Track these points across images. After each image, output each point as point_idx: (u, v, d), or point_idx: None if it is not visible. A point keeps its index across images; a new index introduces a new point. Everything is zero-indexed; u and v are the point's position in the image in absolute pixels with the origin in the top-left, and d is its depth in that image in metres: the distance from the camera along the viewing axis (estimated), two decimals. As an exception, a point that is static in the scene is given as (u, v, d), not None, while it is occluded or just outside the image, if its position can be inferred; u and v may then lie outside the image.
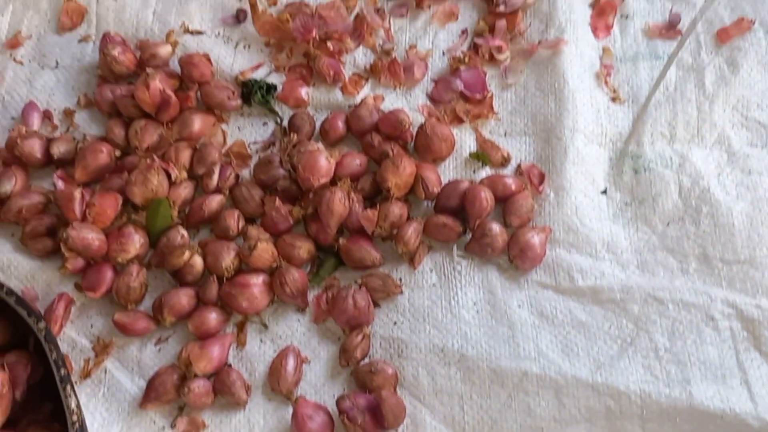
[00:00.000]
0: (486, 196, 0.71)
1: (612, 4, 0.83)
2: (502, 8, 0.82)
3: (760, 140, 0.75)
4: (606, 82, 0.79)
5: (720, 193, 0.72)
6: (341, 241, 0.71)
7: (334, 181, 0.73)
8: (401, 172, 0.72)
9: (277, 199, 0.73)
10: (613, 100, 0.79)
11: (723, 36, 0.79)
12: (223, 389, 0.67)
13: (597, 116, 0.77)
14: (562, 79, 0.78)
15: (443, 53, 0.82)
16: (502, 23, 0.82)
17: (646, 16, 0.83)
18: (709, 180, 0.73)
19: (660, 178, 0.74)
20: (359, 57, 0.82)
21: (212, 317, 0.69)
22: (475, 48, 0.82)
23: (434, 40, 0.83)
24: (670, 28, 0.81)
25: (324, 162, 0.72)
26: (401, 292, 0.70)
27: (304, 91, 0.80)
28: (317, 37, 0.81)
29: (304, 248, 0.71)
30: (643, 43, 0.81)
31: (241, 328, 0.70)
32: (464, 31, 0.83)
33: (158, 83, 0.75)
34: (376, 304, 0.70)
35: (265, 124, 0.80)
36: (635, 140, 0.76)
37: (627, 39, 0.82)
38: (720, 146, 0.75)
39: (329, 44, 0.81)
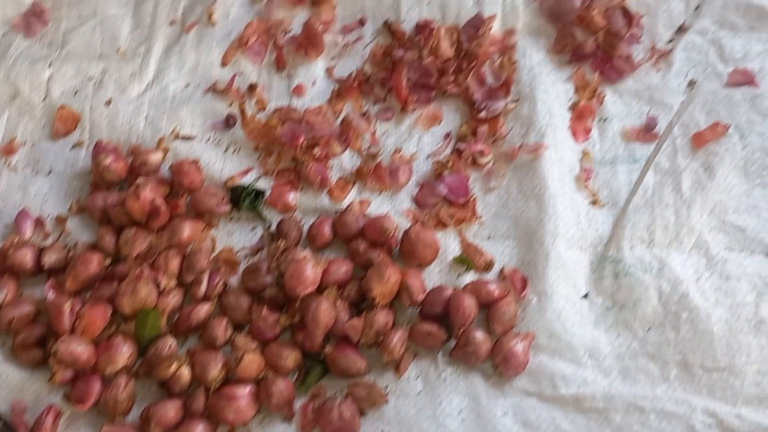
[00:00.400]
0: (469, 304, 0.73)
1: (590, 108, 0.85)
2: (483, 114, 0.84)
3: (737, 244, 0.77)
4: (586, 186, 0.81)
5: (699, 299, 0.74)
6: (327, 348, 0.72)
7: (321, 289, 0.75)
8: (386, 280, 0.73)
9: (264, 307, 0.74)
10: (593, 203, 0.81)
11: (698, 140, 0.81)
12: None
13: (577, 220, 0.79)
14: (543, 183, 0.80)
15: (428, 156, 0.85)
16: (483, 128, 0.84)
17: (624, 119, 0.85)
18: (688, 285, 0.74)
19: (640, 283, 0.75)
20: (346, 161, 0.84)
21: (199, 430, 0.69)
22: (458, 152, 0.84)
23: (419, 143, 0.85)
24: (647, 132, 0.84)
25: (310, 271, 0.73)
26: (387, 402, 0.71)
27: (292, 196, 0.82)
28: (305, 142, 0.83)
29: (290, 357, 0.72)
30: (622, 147, 0.84)
31: (227, 438, 0.71)
32: (448, 135, 0.86)
33: (148, 193, 0.77)
34: (362, 413, 0.71)
35: (253, 229, 0.81)
36: (615, 244, 0.78)
37: (606, 142, 0.84)
38: (698, 251, 0.77)
39: (316, 149, 0.83)
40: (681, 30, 0.88)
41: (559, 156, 0.82)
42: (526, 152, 0.82)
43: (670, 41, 0.88)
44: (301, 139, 0.83)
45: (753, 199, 0.79)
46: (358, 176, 0.83)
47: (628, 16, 0.87)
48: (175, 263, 0.77)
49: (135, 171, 0.82)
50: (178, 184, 0.81)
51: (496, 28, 0.90)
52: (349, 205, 0.80)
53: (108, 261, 0.78)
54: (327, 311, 0.72)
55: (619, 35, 0.86)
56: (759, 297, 0.73)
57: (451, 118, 0.87)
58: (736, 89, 0.84)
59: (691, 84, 0.86)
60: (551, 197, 0.79)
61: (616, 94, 0.86)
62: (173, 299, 0.76)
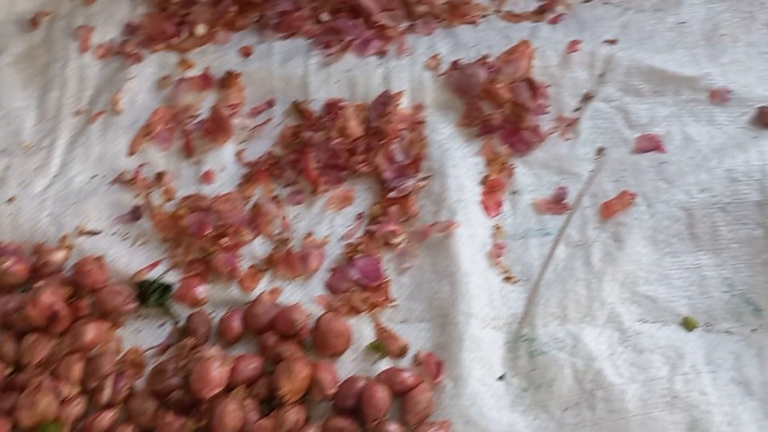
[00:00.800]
0: (382, 396, 0.71)
1: (501, 181, 0.85)
2: (394, 193, 0.84)
3: (650, 315, 0.76)
4: (498, 262, 0.81)
5: (613, 375, 0.73)
6: (238, 451, 0.70)
7: (229, 388, 0.72)
8: (295, 376, 0.71)
9: (171, 412, 0.72)
10: (507, 280, 0.80)
11: (607, 211, 0.81)
12: None
13: (491, 299, 0.78)
14: (455, 261, 0.79)
15: (341, 239, 0.83)
16: (395, 207, 0.83)
17: (535, 191, 0.85)
18: (602, 362, 0.73)
19: (554, 362, 0.74)
20: (257, 248, 0.83)
21: None
22: (369, 233, 0.83)
23: (331, 225, 0.84)
24: (558, 203, 0.83)
25: (216, 371, 0.71)
26: (300, 504, 0.69)
27: (201, 290, 0.80)
28: (213, 231, 0.82)
29: (199, 463, 0.70)
30: (533, 219, 0.83)
31: None
32: (360, 215, 0.85)
33: (47, 297, 0.75)
34: None
35: (161, 325, 0.79)
36: (529, 322, 0.77)
37: (517, 216, 0.84)
38: (611, 324, 0.76)
39: (224, 239, 0.82)
40: (586, 98, 0.89)
41: (471, 232, 0.82)
42: (438, 230, 0.81)
43: (577, 110, 0.89)
44: (209, 229, 0.81)
45: (663, 268, 0.78)
46: (269, 264, 0.82)
47: (534, 88, 0.88)
48: (77, 369, 0.74)
49: (38, 271, 0.80)
50: (81, 284, 0.79)
51: (404, 104, 0.90)
52: (258, 297, 0.78)
53: (9, 370, 0.75)
54: (234, 413, 0.70)
55: (526, 107, 0.87)
56: (672, 370, 0.73)
57: (363, 198, 0.86)
58: (643, 155, 0.85)
59: (600, 152, 0.86)
60: (464, 276, 0.78)
61: (526, 165, 0.86)
62: (76, 407, 0.73)
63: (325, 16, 0.96)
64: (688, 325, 0.76)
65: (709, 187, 0.81)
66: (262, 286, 0.81)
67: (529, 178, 0.86)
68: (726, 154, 0.82)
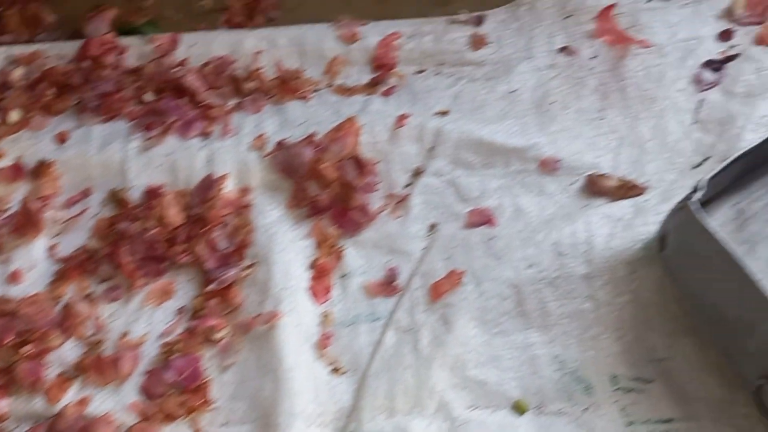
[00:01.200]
0: None
1: (329, 265, 0.81)
2: (214, 286, 0.79)
3: (480, 401, 0.74)
4: (325, 353, 0.77)
5: (442, 470, 0.69)
6: None
7: None
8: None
9: None
10: (335, 371, 0.76)
11: (435, 292, 0.78)
12: None
13: (317, 394, 0.74)
14: (279, 356, 0.75)
15: (159, 336, 0.78)
16: (215, 300, 0.79)
17: (365, 273, 0.82)
18: (431, 455, 0.70)
19: (381, 459, 0.70)
20: (67, 352, 0.77)
21: None
22: (189, 330, 0.78)
23: (150, 321, 0.79)
24: (388, 285, 0.80)
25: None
26: None
27: (2, 404, 0.73)
28: (16, 338, 0.75)
29: None
30: (363, 304, 0.80)
31: None
32: (182, 309, 0.80)
33: None
34: None
35: (-46, 448, 0.72)
36: (356, 417, 0.73)
37: (348, 300, 0.80)
38: (440, 414, 0.73)
39: (28, 346, 0.75)
40: (417, 173, 0.87)
41: (298, 322, 0.77)
42: (262, 322, 0.77)
43: (407, 186, 0.86)
44: (11, 336, 0.75)
45: (493, 349, 0.76)
46: (79, 370, 0.76)
47: (361, 165, 0.85)
48: None
49: None
50: None
51: (230, 188, 0.86)
52: (61, 410, 0.72)
53: None
54: None
55: (353, 185, 0.84)
56: (502, 459, 0.70)
57: (185, 291, 0.81)
58: (474, 230, 0.83)
59: (432, 228, 0.84)
60: (288, 371, 0.74)
61: (357, 246, 0.83)
62: None
63: (148, 96, 0.92)
64: (519, 408, 0.73)
65: (537, 262, 0.79)
66: (71, 395, 0.74)
67: (360, 259, 0.82)
68: (554, 227, 0.81)
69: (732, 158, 0.73)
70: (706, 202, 0.79)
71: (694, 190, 0.71)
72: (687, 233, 0.72)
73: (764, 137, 0.75)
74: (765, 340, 0.66)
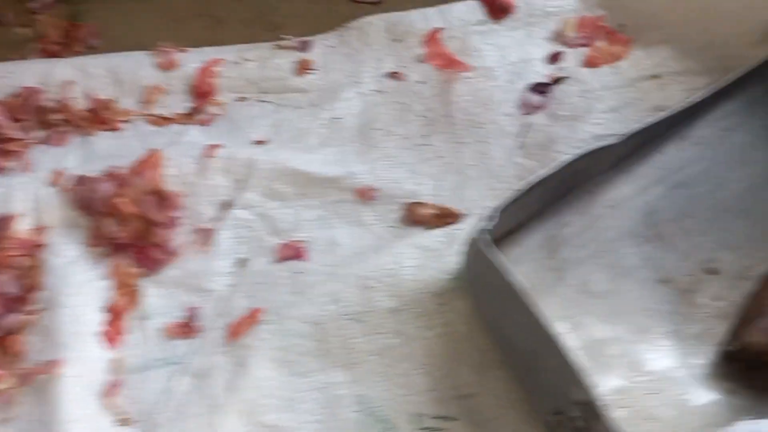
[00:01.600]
0: None
1: (125, 307, 0.76)
2: (-11, 336, 0.73)
3: (273, 449, 0.69)
4: (113, 403, 0.71)
5: None
6: None
7: None
8: None
9: None
10: (122, 423, 0.71)
11: (234, 332, 0.74)
12: None
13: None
14: (59, 408, 0.69)
15: (-68, 393, 0.72)
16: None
17: (165, 314, 0.76)
18: None
19: None
20: None
21: None
22: (-37, 385, 0.72)
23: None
24: (187, 326, 0.76)
25: None
26: None
27: None
28: None
29: None
30: (160, 348, 0.75)
31: None
32: (-40, 361, 0.74)
33: None
34: None
35: None
36: (133, 474, 0.68)
37: (145, 344, 0.75)
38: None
39: None
40: (225, 206, 0.82)
41: (83, 371, 0.72)
42: (44, 371, 0.71)
43: (215, 220, 0.82)
44: None
45: (291, 391, 0.72)
46: None
47: (164, 199, 0.80)
48: None
49: None
50: None
51: (24, 227, 0.80)
52: None
53: None
54: None
55: (153, 221, 0.79)
56: None
57: (-35, 340, 0.75)
58: (283, 265, 0.79)
59: (241, 264, 0.79)
60: (69, 425, 0.68)
61: (158, 285, 0.78)
62: None
63: (-56, 132, 0.86)
64: (319, 454, 0.69)
65: (342, 297, 0.75)
66: None
67: (161, 299, 0.77)
68: (363, 259, 0.78)
69: (524, 186, 0.70)
70: (516, 229, 0.77)
71: (487, 220, 0.68)
72: (479, 265, 0.69)
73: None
74: (554, 375, 0.63)
